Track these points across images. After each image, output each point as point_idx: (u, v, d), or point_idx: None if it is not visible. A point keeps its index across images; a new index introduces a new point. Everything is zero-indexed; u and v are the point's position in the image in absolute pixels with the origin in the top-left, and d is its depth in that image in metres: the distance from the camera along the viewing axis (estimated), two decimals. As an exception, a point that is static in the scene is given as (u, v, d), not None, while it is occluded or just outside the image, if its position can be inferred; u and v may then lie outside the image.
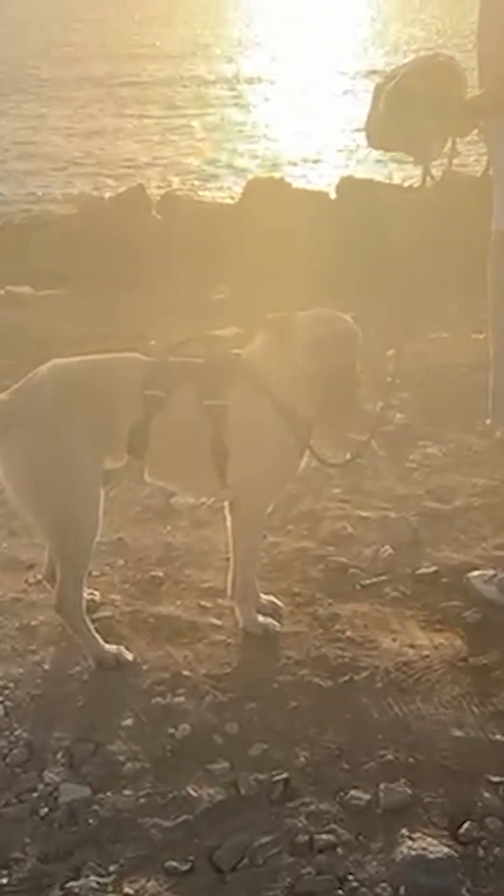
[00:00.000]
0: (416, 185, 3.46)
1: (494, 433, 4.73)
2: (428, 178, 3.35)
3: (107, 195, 11.58)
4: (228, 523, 3.50)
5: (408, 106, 3.20)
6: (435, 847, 2.60)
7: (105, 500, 3.32)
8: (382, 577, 3.82)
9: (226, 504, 3.51)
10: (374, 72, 23.44)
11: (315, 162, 15.47)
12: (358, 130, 3.44)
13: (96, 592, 3.69)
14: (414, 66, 3.28)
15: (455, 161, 3.30)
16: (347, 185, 9.36)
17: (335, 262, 7.65)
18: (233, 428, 3.29)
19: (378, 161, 12.92)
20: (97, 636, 3.35)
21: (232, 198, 11.67)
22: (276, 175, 11.65)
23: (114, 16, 49.06)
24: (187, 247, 8.50)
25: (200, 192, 14.73)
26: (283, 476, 3.44)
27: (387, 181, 8.64)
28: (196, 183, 15.31)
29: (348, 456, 3.60)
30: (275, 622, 3.50)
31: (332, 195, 9.39)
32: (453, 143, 3.29)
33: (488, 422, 3.55)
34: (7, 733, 3.05)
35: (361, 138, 3.57)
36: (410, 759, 2.90)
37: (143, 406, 3.27)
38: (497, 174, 3.32)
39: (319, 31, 39.28)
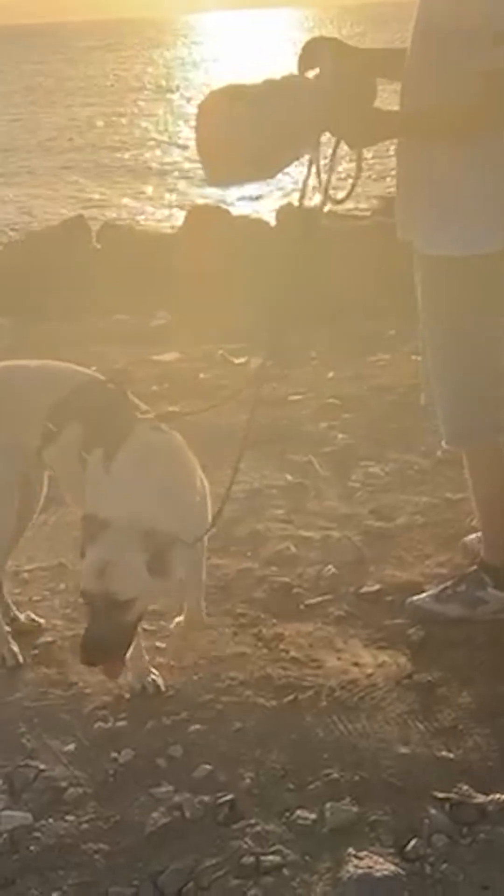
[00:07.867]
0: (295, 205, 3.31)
1: (436, 452, 4.76)
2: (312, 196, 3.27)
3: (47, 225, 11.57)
4: None
5: (285, 94, 2.87)
6: (381, 865, 2.56)
7: (45, 525, 3.28)
8: (326, 597, 3.80)
9: None
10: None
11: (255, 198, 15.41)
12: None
13: (40, 619, 3.65)
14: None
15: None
16: (287, 212, 9.42)
17: (274, 289, 7.68)
18: None
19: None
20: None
21: (172, 227, 11.70)
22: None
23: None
24: (127, 275, 8.50)
25: (143, 222, 14.77)
26: None
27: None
28: (138, 218, 15.37)
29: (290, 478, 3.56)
30: None
31: (273, 223, 9.45)
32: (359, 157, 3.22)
33: (444, 443, 3.52)
34: None
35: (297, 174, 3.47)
36: (356, 778, 2.86)
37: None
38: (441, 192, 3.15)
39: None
